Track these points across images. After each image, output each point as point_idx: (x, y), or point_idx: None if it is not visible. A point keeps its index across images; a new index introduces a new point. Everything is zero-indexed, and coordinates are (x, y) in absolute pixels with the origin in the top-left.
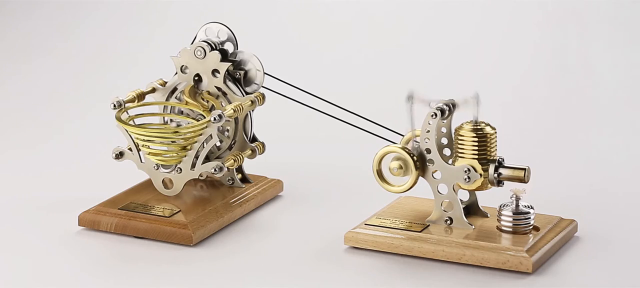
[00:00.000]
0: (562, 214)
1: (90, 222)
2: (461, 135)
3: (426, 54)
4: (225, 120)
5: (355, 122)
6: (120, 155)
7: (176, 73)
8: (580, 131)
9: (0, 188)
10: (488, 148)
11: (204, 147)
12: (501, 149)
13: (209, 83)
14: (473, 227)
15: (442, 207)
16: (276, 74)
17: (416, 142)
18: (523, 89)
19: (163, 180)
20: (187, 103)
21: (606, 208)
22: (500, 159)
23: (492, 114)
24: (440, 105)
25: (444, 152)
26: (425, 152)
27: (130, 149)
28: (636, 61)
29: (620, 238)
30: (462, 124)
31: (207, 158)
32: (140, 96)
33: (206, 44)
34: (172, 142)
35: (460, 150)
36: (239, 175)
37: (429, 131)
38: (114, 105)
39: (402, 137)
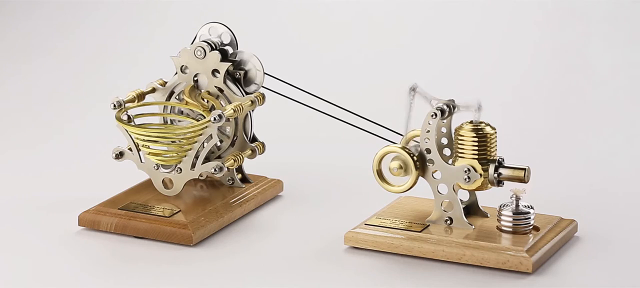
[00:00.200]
0: (562, 214)
1: (90, 222)
2: (461, 135)
3: (426, 54)
4: (225, 120)
5: (355, 122)
6: (120, 155)
7: (176, 73)
8: (580, 131)
9: (0, 188)
10: (488, 148)
11: (204, 147)
12: (501, 149)
13: (209, 83)
14: (473, 227)
15: (442, 207)
16: (276, 74)
17: (416, 142)
18: (523, 89)
19: (163, 180)
20: (187, 103)
21: (606, 208)
22: (500, 159)
23: (492, 114)
24: (440, 105)
25: (444, 152)
26: (425, 152)
27: (130, 149)
28: (636, 61)
29: (620, 238)
30: (462, 124)
31: (207, 159)
32: (140, 96)
33: (206, 44)
34: (172, 142)
35: (460, 150)
36: (239, 175)
37: (429, 131)
38: (114, 105)
39: (402, 137)
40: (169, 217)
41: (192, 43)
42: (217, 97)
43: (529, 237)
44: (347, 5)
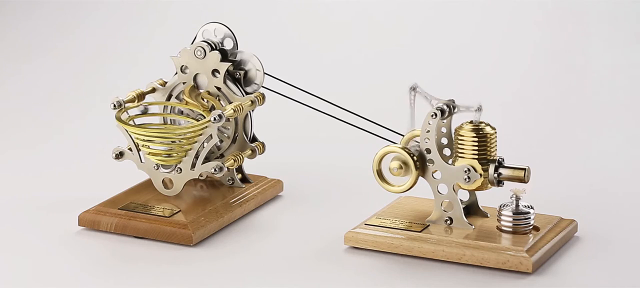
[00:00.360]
0: (562, 214)
1: (90, 222)
2: (461, 135)
3: (426, 54)
4: (225, 120)
5: (355, 122)
6: (120, 155)
7: (176, 73)
8: (580, 131)
9: (0, 188)
10: (488, 148)
11: (204, 147)
12: (501, 149)
13: (209, 83)
14: (473, 227)
15: (442, 207)
16: (276, 74)
17: (416, 142)
18: (523, 89)
19: (163, 180)
20: (187, 103)
21: (606, 208)
22: (500, 159)
23: (492, 114)
24: (440, 105)
25: (444, 152)
26: (425, 152)
27: (130, 149)
28: (636, 61)
29: (620, 238)
30: (462, 124)
31: (207, 159)
32: (140, 96)
33: (206, 43)
34: (172, 142)
35: (460, 150)
36: (239, 175)
37: (429, 131)
38: (114, 105)
39: (402, 137)
40: (169, 217)
41: (192, 43)
42: (217, 97)
43: (529, 237)
44: (347, 5)
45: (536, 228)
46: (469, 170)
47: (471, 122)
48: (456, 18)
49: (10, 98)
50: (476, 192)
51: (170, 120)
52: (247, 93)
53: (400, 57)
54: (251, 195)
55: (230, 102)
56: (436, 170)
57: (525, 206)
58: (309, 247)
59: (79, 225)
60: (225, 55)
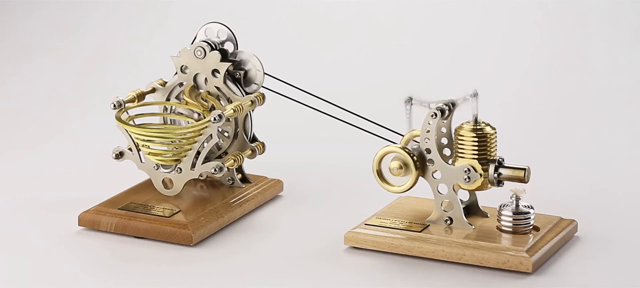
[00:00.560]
0: (562, 214)
1: (90, 222)
2: (461, 135)
3: (426, 54)
4: (225, 120)
5: (355, 122)
6: (120, 155)
7: (176, 73)
8: (580, 131)
9: (0, 188)
10: (488, 148)
11: (204, 147)
12: (501, 149)
13: (209, 83)
14: (473, 227)
15: (442, 207)
16: (276, 74)
17: (416, 142)
18: (523, 89)
19: (163, 180)
20: (187, 103)
21: (606, 208)
22: (500, 159)
23: (492, 114)
24: (440, 105)
25: (444, 152)
26: (425, 152)
27: (130, 149)
28: (636, 61)
29: (620, 238)
30: (462, 124)
31: (207, 159)
32: (140, 96)
33: (206, 44)
34: (172, 141)
35: (460, 150)
36: (239, 175)
37: (429, 131)
38: (114, 105)
39: (402, 137)
40: (169, 217)
41: (192, 43)
42: (218, 97)
43: (529, 237)
44: (347, 5)
45: (536, 228)
46: (469, 170)
47: (471, 121)
48: (456, 18)
49: (10, 98)
50: (476, 192)
51: (170, 120)
52: (247, 93)
53: (400, 57)
54: (251, 195)
55: (230, 102)
56: (436, 170)
57: (525, 206)
58: (309, 247)
59: (79, 225)
60: (225, 55)
